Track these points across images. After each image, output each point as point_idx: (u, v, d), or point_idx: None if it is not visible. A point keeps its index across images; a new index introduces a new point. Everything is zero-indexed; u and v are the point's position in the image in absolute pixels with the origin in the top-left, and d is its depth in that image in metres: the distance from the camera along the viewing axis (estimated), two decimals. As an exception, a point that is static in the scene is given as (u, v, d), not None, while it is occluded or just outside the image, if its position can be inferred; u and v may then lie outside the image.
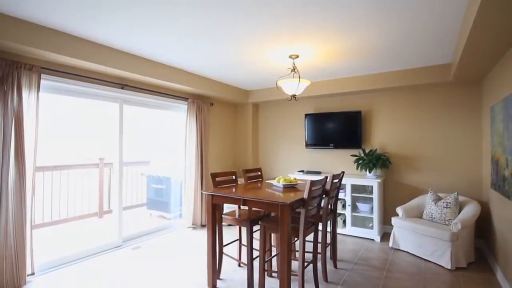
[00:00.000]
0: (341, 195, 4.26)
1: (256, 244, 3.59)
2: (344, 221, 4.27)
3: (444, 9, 2.25)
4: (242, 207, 3.28)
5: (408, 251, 3.51)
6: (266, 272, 2.89)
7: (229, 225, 4.70)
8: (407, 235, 3.51)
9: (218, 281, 2.82)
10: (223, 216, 2.85)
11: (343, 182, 4.16)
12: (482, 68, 3.13)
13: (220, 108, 5.38)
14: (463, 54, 2.68)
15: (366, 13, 2.33)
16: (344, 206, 4.29)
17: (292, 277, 2.82)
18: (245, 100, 5.42)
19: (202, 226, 4.63)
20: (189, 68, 4.00)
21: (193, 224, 4.58)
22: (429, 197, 3.63)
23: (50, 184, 4.50)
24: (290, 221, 2.26)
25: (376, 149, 4.33)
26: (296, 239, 3.11)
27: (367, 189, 4.20)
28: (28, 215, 2.74)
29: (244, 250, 3.45)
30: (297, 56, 3.34)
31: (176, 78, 3.96)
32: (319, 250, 3.20)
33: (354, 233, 4.16)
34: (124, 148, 3.82)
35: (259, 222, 2.63)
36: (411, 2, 2.15)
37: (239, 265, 3.18)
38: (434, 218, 3.48)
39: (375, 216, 3.97)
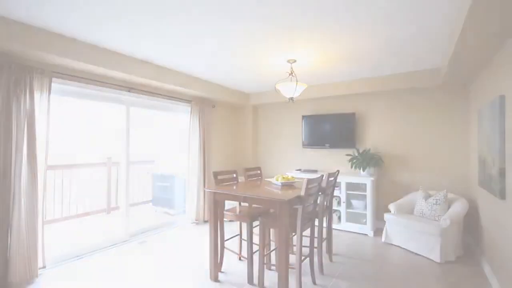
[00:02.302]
0: (336, 193, 4.26)
1: (256, 239, 3.59)
2: (339, 217, 4.27)
3: (434, 17, 2.25)
4: (242, 204, 3.27)
5: (400, 245, 3.52)
6: (265, 265, 2.89)
7: (230, 221, 4.68)
8: (398, 230, 3.51)
9: (219, 273, 2.82)
10: (224, 212, 2.85)
11: (338, 180, 4.16)
12: (470, 73, 3.13)
13: (221, 110, 5.38)
14: (452, 59, 2.68)
15: (360, 22, 2.32)
16: (339, 203, 4.29)
17: (290, 270, 2.82)
18: (245, 103, 5.42)
19: (205, 222, 4.63)
20: (193, 73, 3.99)
21: (196, 220, 4.58)
22: (420, 195, 3.63)
23: (61, 182, 4.50)
24: (288, 217, 2.26)
25: (369, 149, 4.33)
26: (293, 234, 3.11)
27: (361, 187, 4.20)
28: (40, 212, 2.74)
29: (245, 244, 3.46)
30: (295, 61, 3.34)
31: (180, 81, 3.95)
32: (315, 244, 3.20)
33: (348, 228, 4.16)
34: (131, 147, 3.82)
35: (259, 218, 2.63)
36: (403, 11, 2.14)
37: (240, 259, 3.18)
38: (424, 214, 3.48)
39: (369, 212, 3.97)
